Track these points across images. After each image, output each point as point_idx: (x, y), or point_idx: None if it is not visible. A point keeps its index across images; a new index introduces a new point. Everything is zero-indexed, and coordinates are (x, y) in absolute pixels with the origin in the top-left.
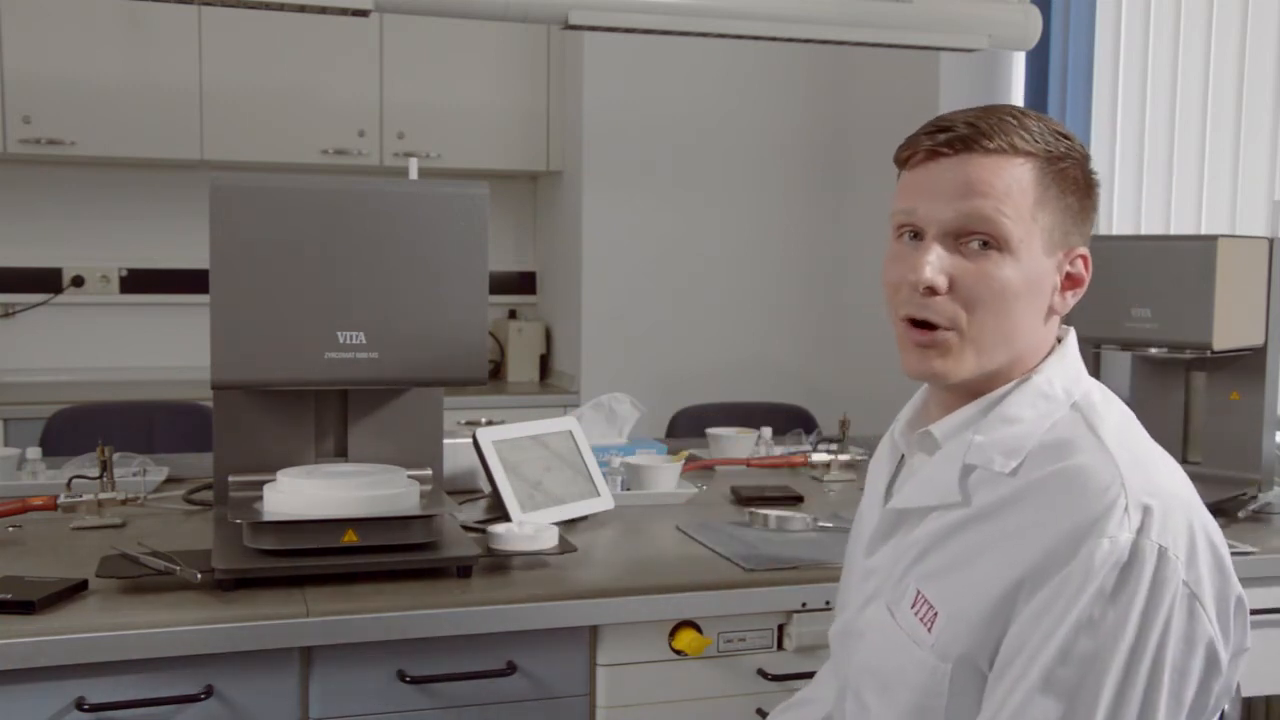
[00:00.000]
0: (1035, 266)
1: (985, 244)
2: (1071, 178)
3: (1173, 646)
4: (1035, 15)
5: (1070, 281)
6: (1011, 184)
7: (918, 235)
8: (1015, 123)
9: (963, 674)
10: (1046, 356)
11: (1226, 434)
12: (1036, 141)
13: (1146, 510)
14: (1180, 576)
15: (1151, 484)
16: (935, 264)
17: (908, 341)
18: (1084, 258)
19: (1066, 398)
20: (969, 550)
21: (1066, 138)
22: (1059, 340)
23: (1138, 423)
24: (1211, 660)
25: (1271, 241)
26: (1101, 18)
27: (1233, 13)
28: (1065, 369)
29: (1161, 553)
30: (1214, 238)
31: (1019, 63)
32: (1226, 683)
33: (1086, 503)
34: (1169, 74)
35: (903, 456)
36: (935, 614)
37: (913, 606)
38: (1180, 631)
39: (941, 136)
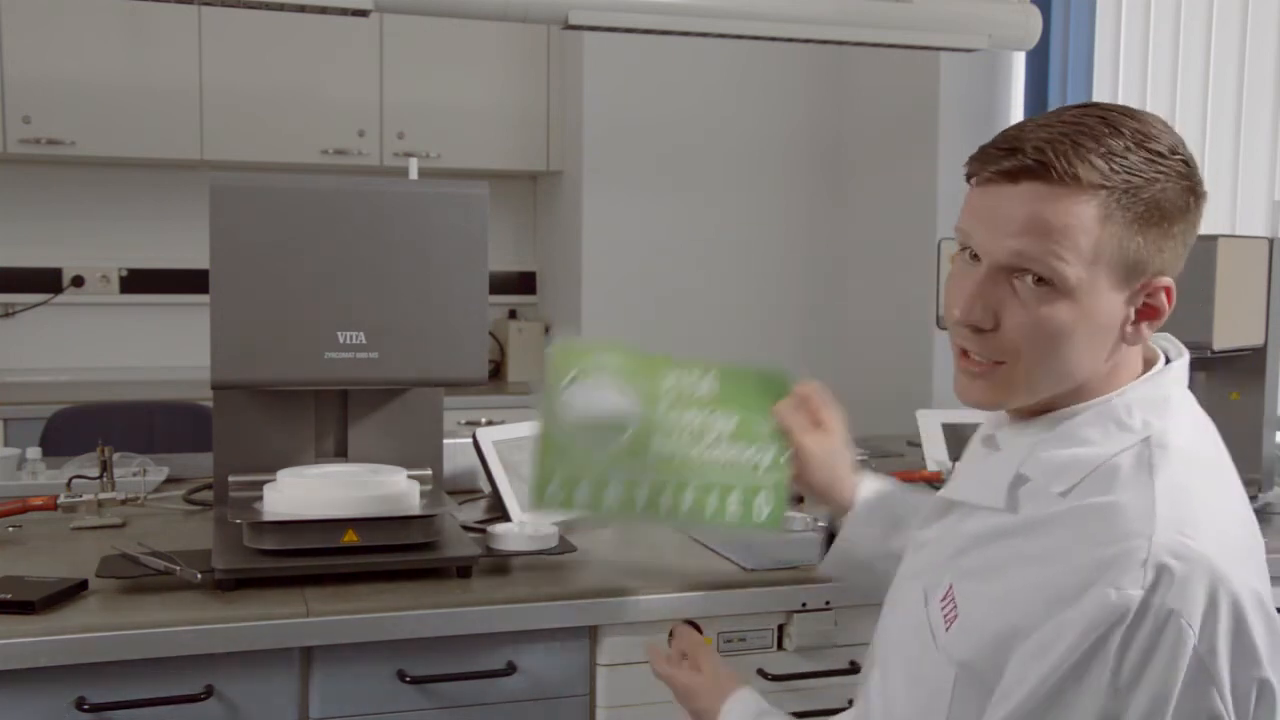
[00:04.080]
0: (1098, 305)
1: (1040, 280)
2: (1156, 204)
3: (1172, 715)
4: (1035, 15)
5: (1148, 312)
6: (1071, 222)
7: (975, 260)
8: (1093, 145)
9: (966, 681)
10: (1139, 381)
11: (1226, 434)
12: (1115, 170)
13: (1164, 569)
14: (1190, 644)
15: (1183, 544)
16: (982, 302)
17: (957, 367)
18: (1167, 289)
19: (1143, 429)
20: (1003, 560)
21: (1160, 156)
22: (1166, 361)
23: (1217, 472)
24: None
25: (1271, 241)
26: (1101, 18)
27: (1233, 13)
28: (1154, 396)
29: (1171, 616)
30: (1214, 238)
31: (1019, 63)
32: None
33: (1106, 544)
34: (1169, 74)
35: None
36: (956, 615)
37: (942, 599)
38: (1184, 705)
39: (1006, 163)
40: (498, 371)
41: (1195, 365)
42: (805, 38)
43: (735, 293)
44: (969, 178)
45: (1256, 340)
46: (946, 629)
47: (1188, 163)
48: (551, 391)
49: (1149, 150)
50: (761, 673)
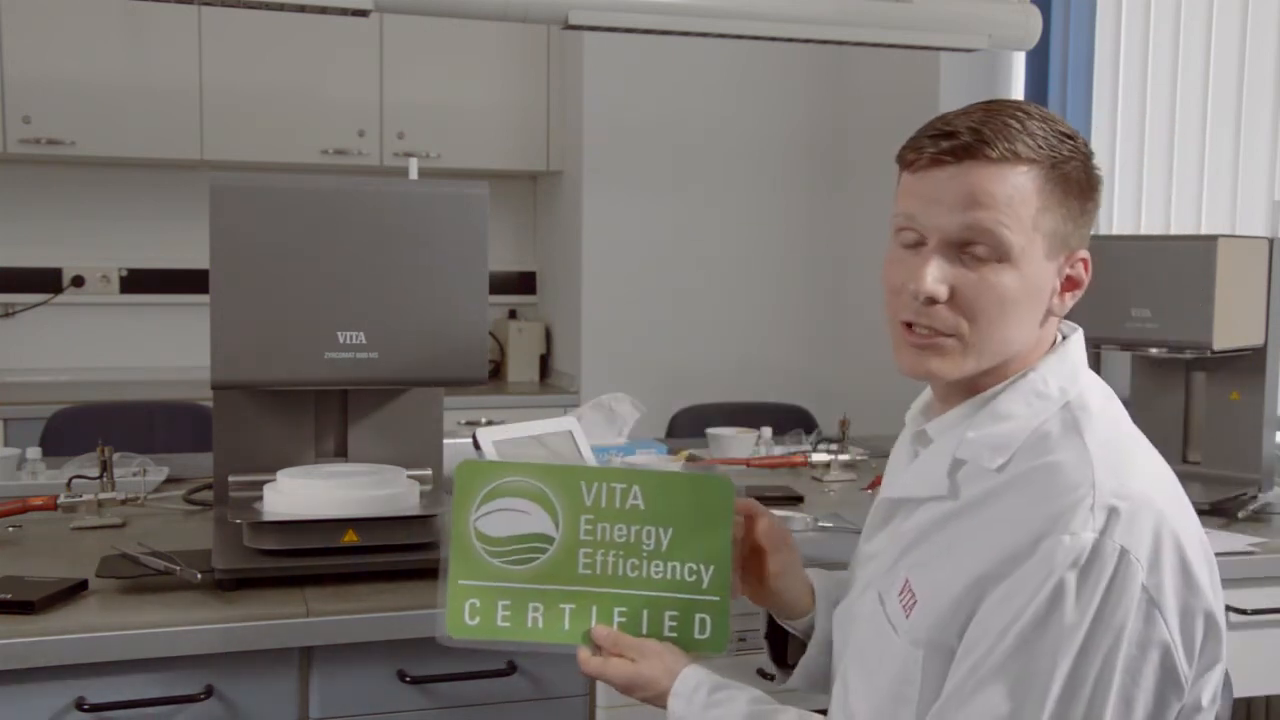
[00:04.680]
0: (1035, 273)
1: (987, 250)
2: (1074, 180)
3: (1125, 648)
4: (1035, 15)
5: (1070, 284)
6: (1014, 193)
7: (919, 241)
8: (1019, 127)
9: (934, 660)
10: (1046, 355)
11: (1226, 434)
12: (1040, 147)
13: (1112, 511)
14: (1140, 580)
15: (1124, 487)
16: (936, 274)
17: (904, 342)
18: (1084, 260)
19: (1061, 396)
20: (952, 541)
21: (1070, 138)
22: (1064, 338)
23: (1132, 427)
24: (1167, 668)
25: (1271, 241)
26: (1101, 17)
27: (1233, 13)
28: (1063, 368)
29: (1122, 554)
30: (1214, 238)
31: (1019, 63)
32: (1192, 700)
33: (1053, 499)
34: (1169, 74)
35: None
36: (915, 603)
37: (900, 594)
38: (1135, 635)
39: (945, 144)
40: (498, 371)
41: (1195, 365)
42: (805, 38)
43: (735, 293)
44: (905, 167)
45: (1256, 340)
46: (907, 617)
47: (1088, 144)
48: (461, 513)
49: (1059, 132)
50: (761, 673)
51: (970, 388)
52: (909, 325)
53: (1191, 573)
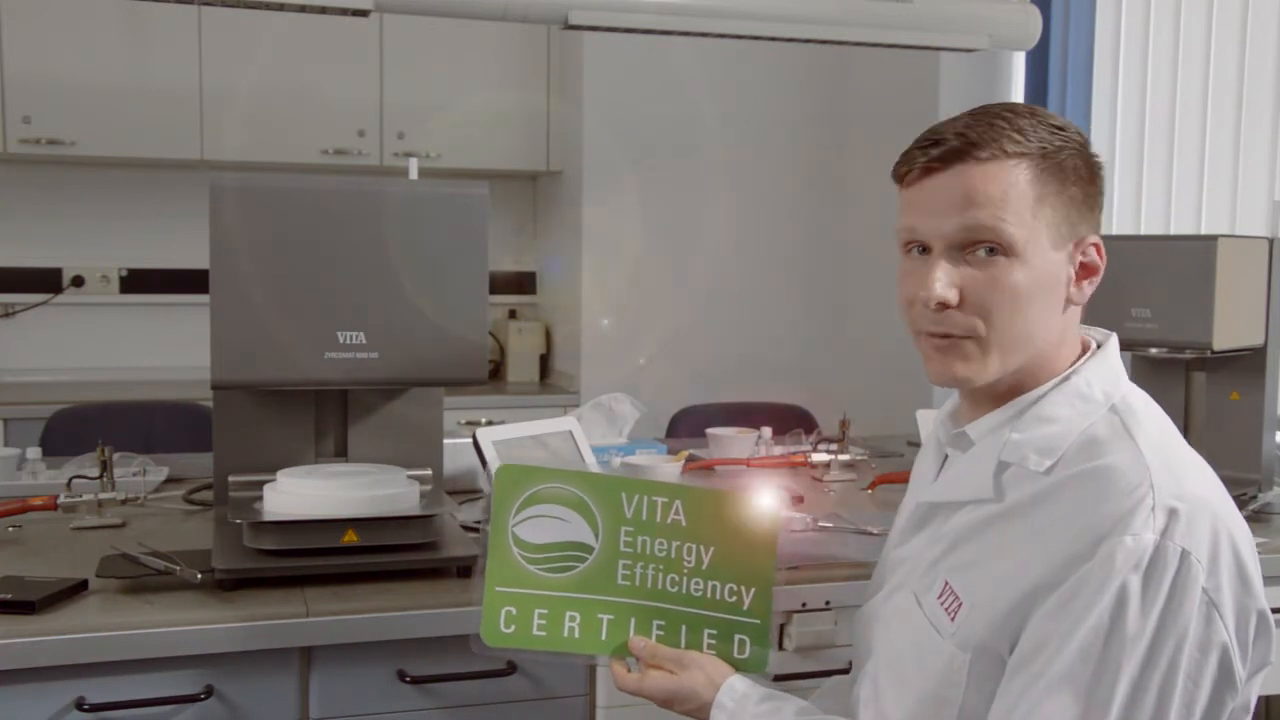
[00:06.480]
0: (1044, 263)
1: (991, 250)
2: (1071, 168)
3: (1188, 652)
4: (1035, 15)
5: (1085, 270)
6: (1008, 188)
7: (925, 249)
8: (1005, 125)
9: (981, 663)
10: (1087, 359)
11: (1226, 434)
12: (1030, 141)
13: (1172, 513)
14: (1200, 583)
15: (1181, 488)
16: (944, 279)
17: (929, 350)
18: (1096, 245)
19: (1105, 400)
20: (999, 544)
21: (1060, 129)
22: (1099, 345)
23: (1176, 429)
24: (1225, 669)
25: (1271, 241)
26: (1101, 17)
27: (1233, 12)
28: (1105, 372)
29: (1184, 556)
30: (1214, 238)
31: (1019, 63)
32: (1243, 701)
33: (1112, 501)
34: (1169, 74)
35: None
36: (960, 604)
37: (939, 597)
38: (1196, 638)
39: (934, 151)
40: (498, 371)
41: (1195, 365)
42: (805, 38)
43: (735, 293)
44: (900, 180)
45: (1256, 340)
46: (952, 619)
47: (1081, 133)
48: (500, 518)
49: (1050, 125)
50: None
51: (1009, 390)
52: (930, 334)
53: (1246, 573)
